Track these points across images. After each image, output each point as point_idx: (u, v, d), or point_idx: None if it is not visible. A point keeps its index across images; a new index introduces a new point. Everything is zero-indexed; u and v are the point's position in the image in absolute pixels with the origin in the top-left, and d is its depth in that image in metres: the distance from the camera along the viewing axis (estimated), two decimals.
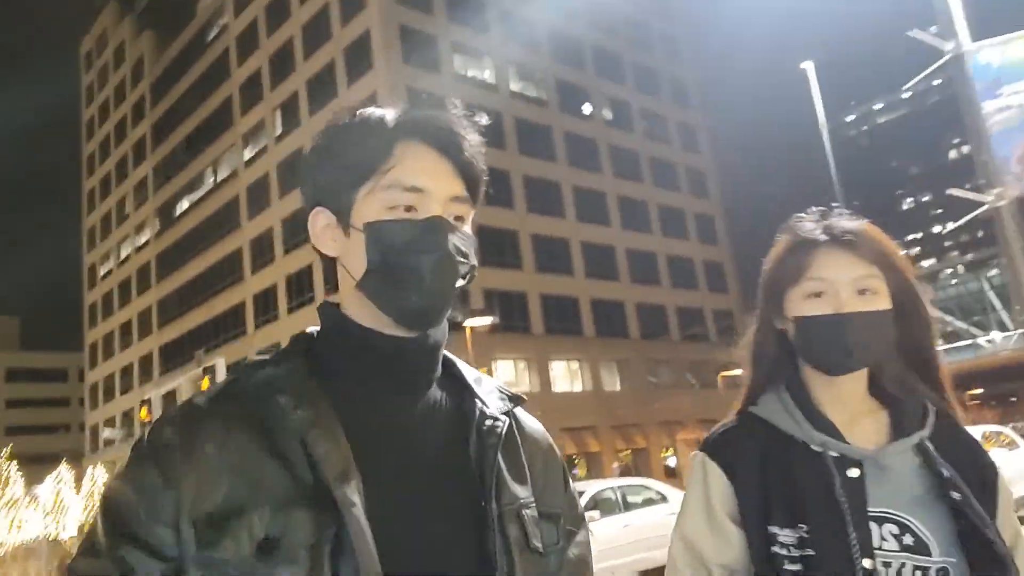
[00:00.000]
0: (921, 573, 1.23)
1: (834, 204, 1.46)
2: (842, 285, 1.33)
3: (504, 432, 1.06)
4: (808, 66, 30.28)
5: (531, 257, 36.78)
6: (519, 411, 1.16)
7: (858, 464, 1.29)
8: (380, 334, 1.04)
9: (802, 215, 1.44)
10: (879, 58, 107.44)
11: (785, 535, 1.26)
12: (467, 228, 1.07)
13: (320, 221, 1.07)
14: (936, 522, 1.25)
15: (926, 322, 1.39)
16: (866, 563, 1.21)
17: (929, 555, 1.24)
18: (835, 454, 1.31)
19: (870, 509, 1.26)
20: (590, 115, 42.54)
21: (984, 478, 1.32)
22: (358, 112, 1.07)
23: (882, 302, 1.33)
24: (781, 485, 1.31)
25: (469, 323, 22.46)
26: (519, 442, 1.11)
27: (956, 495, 1.25)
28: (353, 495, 0.91)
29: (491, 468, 1.02)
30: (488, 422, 1.06)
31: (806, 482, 1.29)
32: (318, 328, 1.10)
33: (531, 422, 1.18)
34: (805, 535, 1.25)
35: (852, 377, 1.36)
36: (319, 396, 0.99)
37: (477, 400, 1.08)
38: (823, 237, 1.37)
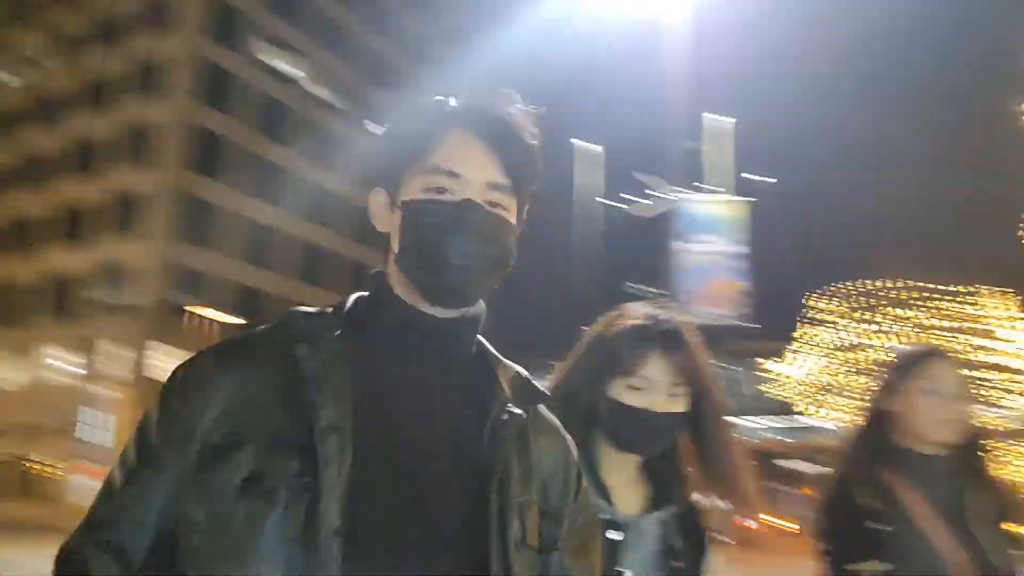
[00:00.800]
0: None
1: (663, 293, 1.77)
2: (661, 388, 1.58)
3: (520, 426, 1.09)
4: (577, 143, 30.01)
5: None
6: (542, 408, 1.19)
7: (621, 528, 1.55)
8: (412, 308, 1.08)
9: (640, 304, 1.69)
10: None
11: None
12: (507, 215, 1.09)
13: (377, 199, 1.14)
14: None
15: (718, 419, 1.68)
16: None
17: None
18: (605, 516, 1.51)
19: (619, 568, 1.52)
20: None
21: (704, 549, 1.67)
22: (420, 99, 1.14)
23: (683, 405, 1.61)
24: None
25: None
26: (533, 438, 1.12)
27: (677, 564, 1.59)
28: (331, 451, 0.95)
29: (500, 460, 1.04)
30: (506, 415, 1.08)
31: None
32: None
33: (551, 420, 1.21)
34: None
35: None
36: (338, 354, 1.03)
37: (501, 389, 1.11)
38: (656, 340, 1.61)
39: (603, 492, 1.56)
